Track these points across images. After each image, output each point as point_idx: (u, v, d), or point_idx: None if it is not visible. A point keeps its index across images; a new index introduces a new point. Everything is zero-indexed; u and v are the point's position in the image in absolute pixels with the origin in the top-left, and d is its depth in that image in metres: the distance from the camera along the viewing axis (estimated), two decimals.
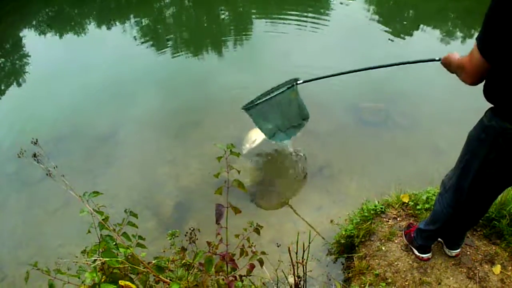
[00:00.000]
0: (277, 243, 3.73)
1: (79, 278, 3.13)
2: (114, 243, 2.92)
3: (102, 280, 2.94)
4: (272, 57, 10.08)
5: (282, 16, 12.31)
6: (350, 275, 4.85)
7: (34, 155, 2.89)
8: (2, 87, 11.21)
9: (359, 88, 8.27)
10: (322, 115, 7.66)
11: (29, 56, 12.40)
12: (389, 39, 10.45)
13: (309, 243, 3.00)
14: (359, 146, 7.19)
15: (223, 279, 2.87)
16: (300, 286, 3.08)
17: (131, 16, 13.88)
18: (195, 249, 3.14)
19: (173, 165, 7.23)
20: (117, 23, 13.59)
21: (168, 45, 11.53)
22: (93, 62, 10.98)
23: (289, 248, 2.96)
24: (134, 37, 12.26)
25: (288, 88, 5.75)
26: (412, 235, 4.56)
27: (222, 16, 13.42)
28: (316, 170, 6.77)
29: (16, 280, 6.27)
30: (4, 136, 8.95)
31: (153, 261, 2.98)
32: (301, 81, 5.72)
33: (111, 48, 11.85)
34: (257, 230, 2.97)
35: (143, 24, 13.43)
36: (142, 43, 11.85)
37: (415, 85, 8.49)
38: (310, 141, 7.28)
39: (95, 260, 3.10)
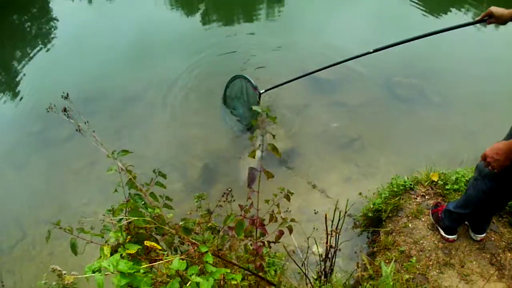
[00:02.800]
0: (315, 210, 3.67)
1: (102, 237, 3.09)
2: (143, 202, 2.86)
3: (127, 240, 2.88)
4: (301, 28, 9.88)
5: None
6: (375, 249, 4.81)
7: (64, 110, 2.82)
8: (28, 51, 11.21)
9: (393, 62, 8.10)
10: (355, 87, 7.55)
11: (57, 20, 12.33)
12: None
13: (345, 212, 2.92)
14: (390, 120, 7.06)
15: (251, 244, 2.81)
16: (330, 256, 3.00)
17: None
18: (221, 212, 3.08)
19: (203, 128, 7.19)
20: None
21: (199, 11, 11.35)
22: (121, 26, 10.88)
23: (325, 216, 2.88)
24: (165, 1, 12.11)
25: (258, 102, 6.37)
26: (440, 215, 4.50)
27: None
28: (347, 142, 6.69)
29: (36, 239, 6.35)
30: (30, 97, 9.04)
31: (180, 223, 2.90)
32: (263, 91, 6.26)
33: (140, 12, 11.71)
34: (287, 197, 2.91)
35: None
36: (172, 8, 11.70)
37: (451, 64, 8.29)
38: (342, 113, 7.20)
39: (120, 219, 3.05)
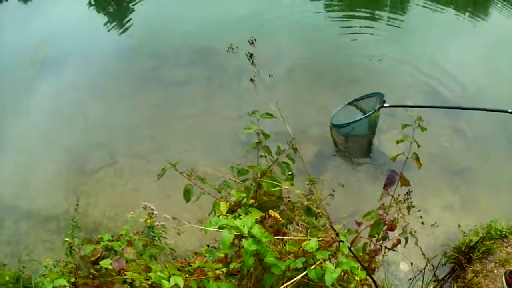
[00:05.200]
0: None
1: (219, 192, 3.08)
2: (290, 172, 2.83)
3: (249, 203, 2.86)
4: (422, 43, 9.47)
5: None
6: (458, 284, 4.69)
7: (251, 56, 2.83)
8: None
9: None
10: (476, 118, 7.18)
11: None
12: None
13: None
14: (502, 163, 6.72)
15: (370, 245, 2.78)
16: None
17: None
18: (330, 201, 3.06)
19: (325, 112, 7.02)
20: None
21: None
22: None
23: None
24: None
25: (375, 110, 6.18)
26: None
27: None
28: (456, 170, 6.49)
29: (125, 170, 6.48)
30: (140, 32, 9.53)
31: (305, 202, 2.87)
32: (387, 105, 6.04)
33: None
34: (408, 208, 2.87)
35: None
36: None
37: None
38: (459, 139, 6.98)
39: (244, 180, 3.04)
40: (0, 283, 4.13)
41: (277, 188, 2.83)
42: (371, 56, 8.41)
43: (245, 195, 2.83)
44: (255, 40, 2.59)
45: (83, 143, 7.17)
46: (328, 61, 8.28)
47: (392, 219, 2.81)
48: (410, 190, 2.83)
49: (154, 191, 6.03)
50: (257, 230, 2.20)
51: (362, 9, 10.22)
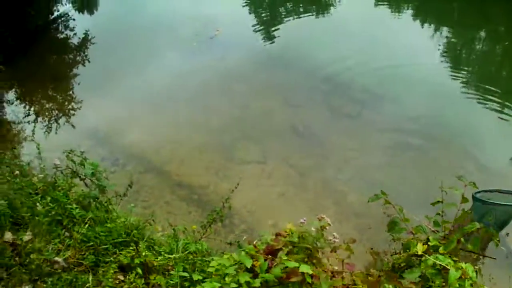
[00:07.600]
0: None
1: (413, 233, 3.34)
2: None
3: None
4: None
5: None
6: None
7: None
8: (300, 9, 12.74)
9: None
10: None
11: None
12: None
13: None
14: None
15: None
16: None
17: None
18: None
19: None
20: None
21: (462, 75, 10.33)
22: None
23: None
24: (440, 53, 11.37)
25: None
26: None
27: None
28: None
29: (274, 173, 6.78)
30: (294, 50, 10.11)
31: None
32: None
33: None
34: None
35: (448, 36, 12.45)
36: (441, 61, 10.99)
37: None
38: None
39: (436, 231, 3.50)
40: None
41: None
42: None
43: (438, 243, 3.25)
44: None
45: (237, 131, 7.62)
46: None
47: None
48: None
49: (300, 203, 6.24)
50: (474, 274, 2.61)
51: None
